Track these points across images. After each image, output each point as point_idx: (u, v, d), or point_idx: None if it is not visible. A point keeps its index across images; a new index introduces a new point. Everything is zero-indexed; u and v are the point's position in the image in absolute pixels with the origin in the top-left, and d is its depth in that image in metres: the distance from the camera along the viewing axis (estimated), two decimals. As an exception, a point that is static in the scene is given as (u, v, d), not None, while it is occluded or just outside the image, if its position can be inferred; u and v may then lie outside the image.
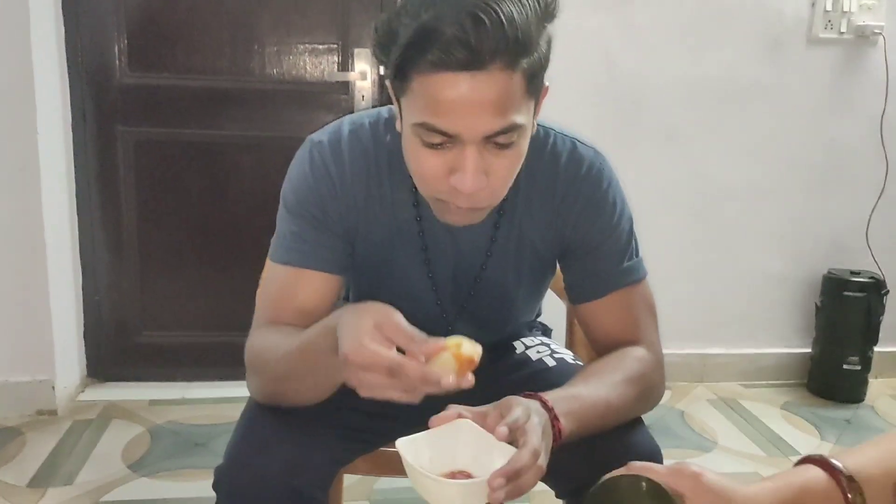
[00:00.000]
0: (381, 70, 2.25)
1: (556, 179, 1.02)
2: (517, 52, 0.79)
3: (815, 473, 0.70)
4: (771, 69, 2.48)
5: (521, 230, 1.05)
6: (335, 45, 2.36)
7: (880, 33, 2.46)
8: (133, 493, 1.84)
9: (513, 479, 0.72)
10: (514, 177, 0.91)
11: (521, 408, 0.80)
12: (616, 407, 0.94)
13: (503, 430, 0.77)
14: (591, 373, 0.98)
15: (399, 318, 0.78)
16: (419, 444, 0.78)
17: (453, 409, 0.80)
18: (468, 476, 0.78)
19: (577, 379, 0.96)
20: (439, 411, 0.80)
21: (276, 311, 1.01)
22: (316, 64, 2.36)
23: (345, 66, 2.37)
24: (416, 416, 0.82)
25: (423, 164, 0.87)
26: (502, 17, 0.76)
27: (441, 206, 0.92)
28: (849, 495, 0.67)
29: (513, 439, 0.77)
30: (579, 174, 1.02)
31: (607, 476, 0.70)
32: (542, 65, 0.85)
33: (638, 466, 0.69)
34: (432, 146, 0.85)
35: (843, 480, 0.68)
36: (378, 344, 0.75)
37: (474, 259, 1.06)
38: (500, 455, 0.75)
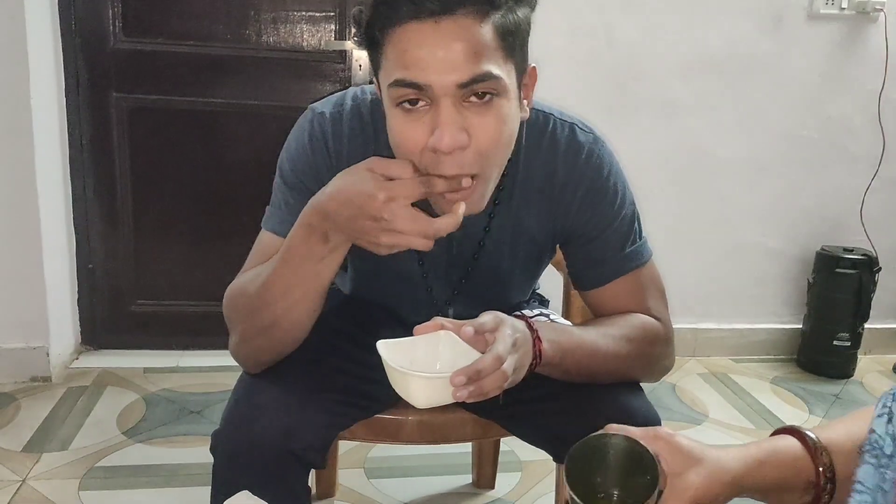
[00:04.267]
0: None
1: (556, 167, 1.01)
2: (485, 2, 0.81)
3: (786, 439, 0.73)
4: (771, 44, 2.47)
5: (517, 219, 1.04)
6: (332, 13, 2.33)
7: (881, 10, 2.45)
8: (128, 458, 1.85)
9: (474, 380, 0.76)
10: (503, 143, 0.88)
11: (492, 316, 0.84)
12: (605, 354, 0.96)
13: (468, 329, 0.81)
14: (590, 322, 1.02)
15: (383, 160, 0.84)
16: (400, 349, 0.82)
17: (437, 320, 0.84)
18: None
19: (575, 325, 0.99)
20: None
21: None
22: (313, 32, 2.34)
23: (342, 34, 2.34)
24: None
25: (403, 133, 0.85)
26: None
27: (439, 198, 0.88)
28: (818, 458, 0.70)
29: (485, 347, 0.82)
30: (579, 162, 1.01)
31: (590, 436, 0.71)
32: (518, 29, 0.84)
33: (616, 428, 0.71)
34: (409, 108, 0.84)
35: (811, 442, 0.71)
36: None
37: (468, 247, 1.06)
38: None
